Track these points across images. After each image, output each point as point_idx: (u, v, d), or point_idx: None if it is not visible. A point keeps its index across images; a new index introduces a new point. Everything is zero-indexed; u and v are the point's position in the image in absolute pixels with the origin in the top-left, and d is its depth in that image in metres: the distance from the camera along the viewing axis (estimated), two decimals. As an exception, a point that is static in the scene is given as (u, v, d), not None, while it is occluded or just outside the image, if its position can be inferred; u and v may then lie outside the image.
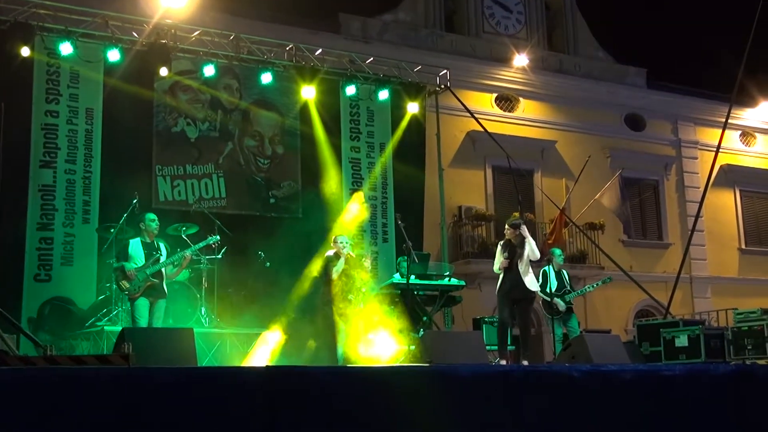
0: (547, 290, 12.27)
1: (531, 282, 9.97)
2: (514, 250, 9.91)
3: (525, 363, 9.63)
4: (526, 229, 10.17)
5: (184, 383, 5.19)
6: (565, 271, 12.64)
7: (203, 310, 11.48)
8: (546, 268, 12.49)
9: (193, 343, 7.21)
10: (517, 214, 17.48)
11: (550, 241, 16.94)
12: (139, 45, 13.25)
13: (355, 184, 15.27)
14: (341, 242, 10.51)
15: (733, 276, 22.04)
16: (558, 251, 12.77)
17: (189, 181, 13.98)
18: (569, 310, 12.28)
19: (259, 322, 11.54)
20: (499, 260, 10.04)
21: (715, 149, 15.92)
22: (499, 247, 10.13)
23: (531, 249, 10.00)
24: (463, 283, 13.03)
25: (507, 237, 10.02)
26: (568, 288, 12.36)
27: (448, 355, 8.19)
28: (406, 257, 11.90)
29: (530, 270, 10.05)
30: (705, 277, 21.72)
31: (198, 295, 11.50)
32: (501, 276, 9.94)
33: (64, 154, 12.85)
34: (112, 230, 11.28)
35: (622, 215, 18.06)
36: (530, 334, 10.14)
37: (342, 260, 10.30)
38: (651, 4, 23.10)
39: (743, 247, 22.58)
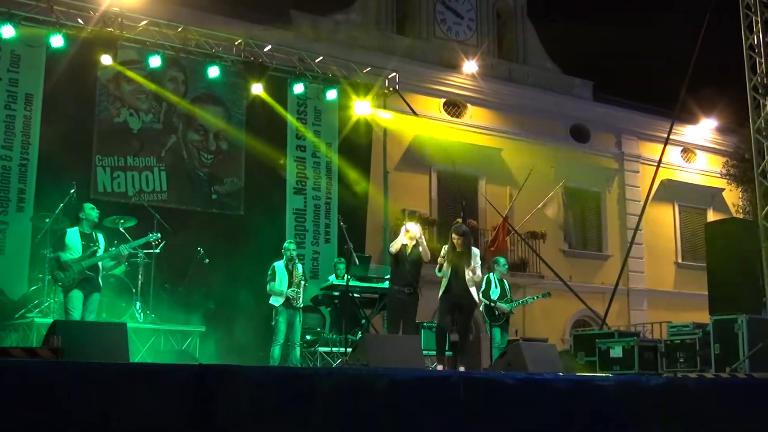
0: (491, 296, 12.38)
1: (475, 291, 10.04)
2: (460, 255, 9.92)
3: (462, 369, 9.66)
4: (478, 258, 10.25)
5: (115, 379, 5.09)
6: (505, 281, 12.76)
7: (138, 305, 11.32)
8: (490, 275, 12.58)
9: (126, 339, 7.10)
10: (459, 220, 17.61)
11: (492, 249, 17.08)
12: (84, 32, 13.02)
13: (299, 183, 15.22)
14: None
15: (669, 289, 22.46)
16: (502, 260, 12.90)
17: (129, 173, 13.78)
18: (507, 318, 12.40)
19: (195, 319, 11.44)
20: (440, 264, 10.07)
21: (656, 164, 16.21)
22: (442, 251, 10.16)
23: (476, 264, 10.07)
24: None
25: (454, 243, 10.03)
26: (509, 297, 12.48)
27: (385, 358, 8.17)
28: (343, 259, 11.90)
29: (479, 274, 10.12)
30: (642, 290, 22.10)
31: (133, 290, 11.34)
32: (445, 280, 9.95)
33: (0, 139, 12.57)
34: (47, 220, 11.06)
35: (563, 225, 18.29)
36: (468, 340, 10.18)
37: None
38: (600, 19, 23.43)
39: (679, 261, 23.03)
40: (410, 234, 10.26)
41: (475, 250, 10.10)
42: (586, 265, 21.21)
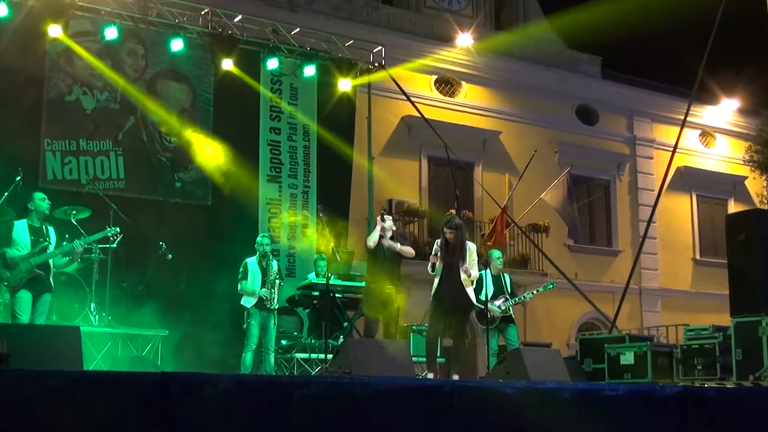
0: (482, 297, 12.38)
1: (471, 291, 10.04)
2: (452, 251, 9.92)
3: (455, 377, 9.68)
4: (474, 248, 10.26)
5: (67, 388, 5.08)
6: (506, 276, 12.73)
7: (93, 306, 11.28)
8: (482, 272, 12.61)
9: (79, 344, 7.09)
10: (453, 212, 17.61)
11: (489, 243, 17.09)
12: (31, 0, 12.93)
13: (273, 170, 15.18)
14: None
15: (686, 289, 22.58)
16: (497, 253, 12.89)
17: (82, 158, 13.70)
18: (507, 319, 12.36)
19: (157, 322, 11.41)
20: (433, 259, 10.08)
21: (671, 149, 16.27)
22: (435, 245, 10.16)
23: (472, 260, 10.07)
24: (390, 286, 13.09)
25: (447, 238, 10.03)
26: (508, 295, 12.43)
27: (370, 365, 8.19)
28: (323, 255, 11.90)
29: (475, 272, 10.13)
30: (655, 289, 22.20)
31: (87, 289, 11.30)
32: (437, 279, 9.96)
33: (-66, 122, 12.52)
34: (-10, 211, 10.99)
35: (568, 217, 18.34)
36: (464, 346, 10.21)
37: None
38: (610, -14, 23.45)
39: (697, 257, 23.14)
40: (387, 224, 10.35)
41: (471, 246, 10.11)
42: (594, 262, 21.30)
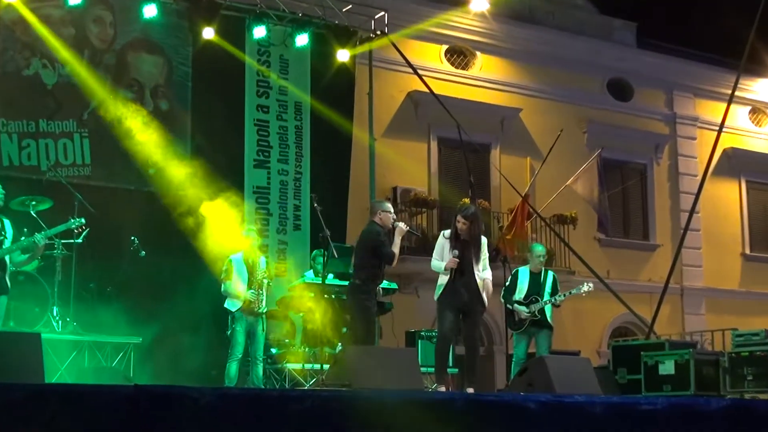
0: (511, 296, 12.40)
1: (486, 296, 10.08)
2: (466, 246, 9.94)
3: (470, 390, 9.69)
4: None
5: (26, 403, 5.09)
6: (551, 274, 12.65)
7: (55, 310, 11.30)
8: (519, 269, 12.63)
9: (40, 353, 7.10)
10: (467, 201, 17.63)
11: (508, 237, 17.13)
12: (-18, -41, 12.95)
13: (261, 154, 15.20)
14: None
15: (734, 288, 22.54)
16: (539, 247, 12.88)
17: (42, 141, 13.72)
18: (540, 323, 12.37)
19: (128, 328, 11.42)
20: (440, 255, 10.07)
21: (717, 128, 16.23)
22: (441, 239, 10.16)
23: (484, 260, 10.11)
24: (395, 286, 13.06)
25: (459, 229, 10.03)
26: (547, 297, 12.40)
27: (373, 377, 8.19)
28: (321, 251, 11.90)
29: (488, 273, 10.15)
30: (699, 289, 22.18)
31: (49, 291, 11.31)
32: (445, 277, 9.96)
33: None
34: (-63, 202, 10.99)
35: (598, 207, 18.33)
36: (479, 354, 10.22)
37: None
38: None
39: (747, 252, 23.11)
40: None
41: (484, 240, 10.14)
42: (629, 258, 21.28)
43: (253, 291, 11.25)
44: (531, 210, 17.65)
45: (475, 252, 9.94)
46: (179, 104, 14.76)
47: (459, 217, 10.01)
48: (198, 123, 14.67)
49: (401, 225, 10.50)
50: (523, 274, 12.51)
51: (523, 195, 17.16)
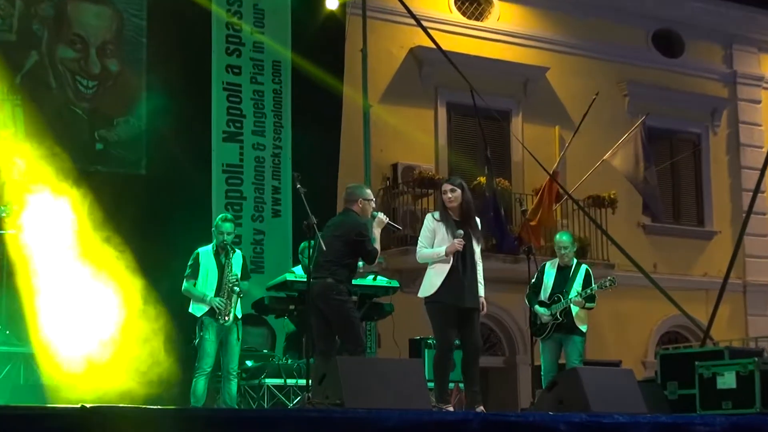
0: (536, 295, 12.44)
1: (482, 288, 10.12)
2: (460, 225, 9.95)
3: (480, 409, 9.72)
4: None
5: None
6: (583, 268, 12.66)
7: (-14, 316, 11.34)
8: (548, 262, 12.65)
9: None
10: (483, 179, 17.65)
11: (533, 223, 17.13)
12: None
13: (231, 125, 15.23)
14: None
15: (809, 284, 22.58)
16: (564, 236, 12.85)
17: (-34, 111, 13.76)
18: (567, 328, 12.38)
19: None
20: (429, 241, 10.08)
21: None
22: (430, 221, 10.16)
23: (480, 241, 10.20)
24: (396, 283, 13.10)
25: (448, 204, 10.05)
26: (573, 295, 12.37)
27: (370, 394, 8.23)
28: (309, 242, 11.89)
29: (480, 263, 10.20)
30: (766, 285, 22.18)
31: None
32: (434, 270, 9.96)
33: None
34: None
35: (642, 186, 18.33)
36: (477, 359, 10.23)
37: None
38: None
39: (824, 239, 23.13)
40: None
41: (477, 221, 10.22)
42: (680, 248, 21.29)
43: (220, 299, 11.26)
44: (560, 190, 17.66)
45: (475, 233, 9.99)
46: (132, 65, 14.78)
47: (446, 186, 10.05)
48: (154, 88, 14.69)
49: (381, 216, 10.48)
50: (550, 268, 12.53)
51: (550, 172, 17.15)
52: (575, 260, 12.69)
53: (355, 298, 12.00)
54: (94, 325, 11.99)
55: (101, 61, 14.72)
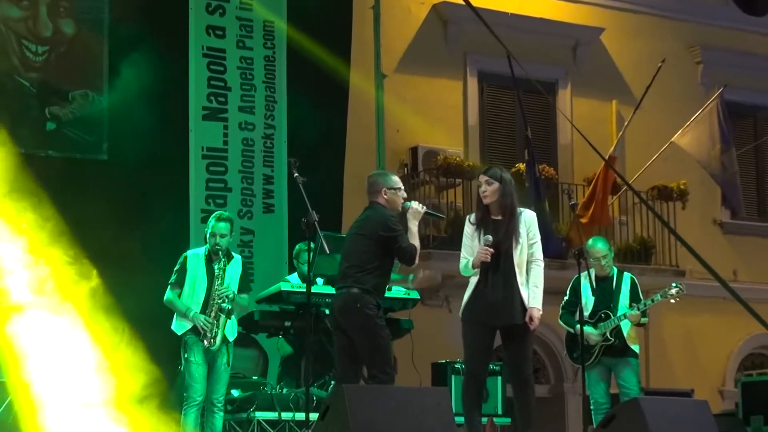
0: (572, 315, 12.44)
1: (534, 296, 10.03)
2: (499, 226, 9.96)
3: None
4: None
5: None
6: (626, 277, 12.70)
7: None
8: (582, 274, 12.65)
9: None
10: (522, 167, 17.66)
11: (584, 220, 17.13)
12: None
13: (214, 99, 15.25)
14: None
15: None
16: (599, 243, 12.85)
17: None
18: (619, 350, 12.44)
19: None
20: (471, 250, 10.08)
21: None
22: (467, 227, 10.15)
23: (531, 238, 10.10)
24: (416, 295, 13.13)
25: (485, 201, 10.06)
26: (624, 309, 12.40)
27: (384, 430, 8.27)
28: (310, 243, 11.94)
29: (540, 268, 10.15)
30: None
31: None
32: (470, 282, 10.00)
33: None
34: None
35: (720, 174, 18.32)
36: (533, 393, 10.23)
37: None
38: None
39: None
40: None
41: (529, 215, 10.16)
42: (766, 251, 21.27)
43: (207, 317, 11.31)
44: (618, 179, 17.65)
45: (512, 233, 9.95)
46: (90, 26, 14.82)
47: (480, 178, 10.03)
48: (118, 54, 14.74)
49: (415, 205, 10.26)
50: (586, 282, 12.54)
51: (606, 157, 17.12)
52: (615, 269, 12.73)
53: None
54: (38, 347, 12.03)
55: (53, 21, 14.76)
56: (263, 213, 15.37)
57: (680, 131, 18.15)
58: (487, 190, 9.92)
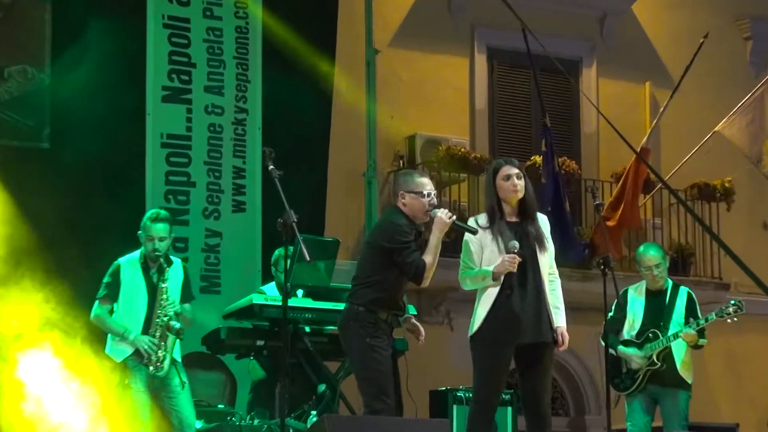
0: (617, 333, 12.46)
1: (560, 315, 10.02)
2: (524, 230, 9.95)
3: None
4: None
5: None
6: (682, 293, 12.72)
7: None
8: (631, 287, 12.68)
9: None
10: (539, 159, 17.67)
11: (611, 223, 17.15)
12: None
13: (176, 77, 15.26)
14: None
15: None
16: (652, 250, 12.81)
17: None
18: (663, 378, 12.48)
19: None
20: (477, 258, 10.06)
21: None
22: (474, 225, 10.11)
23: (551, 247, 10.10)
24: (413, 310, 13.13)
25: (507, 196, 10.04)
26: (676, 329, 12.39)
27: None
28: (287, 249, 11.95)
29: (559, 282, 10.15)
30: None
31: None
32: (482, 297, 9.98)
33: None
34: None
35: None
36: (550, 430, 10.25)
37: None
38: None
39: None
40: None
41: (544, 219, 10.24)
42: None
43: (151, 338, 11.32)
44: (651, 175, 17.67)
45: (539, 240, 9.94)
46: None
47: (509, 170, 9.94)
48: (63, 24, 14.78)
49: (442, 214, 9.99)
50: (636, 295, 12.54)
51: (637, 150, 17.13)
52: (670, 281, 12.72)
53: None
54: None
55: (-15, -17, 14.83)
56: (233, 212, 15.36)
57: (725, 119, 18.12)
58: (518, 185, 9.88)
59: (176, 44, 15.32)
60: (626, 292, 12.59)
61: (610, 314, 12.48)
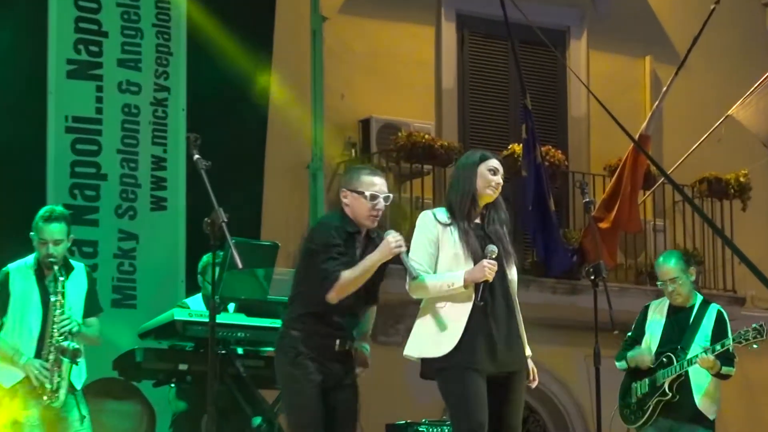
0: (635, 350, 12.46)
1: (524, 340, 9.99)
2: (493, 235, 9.91)
3: None
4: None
5: None
6: (711, 311, 12.71)
7: None
8: (653, 302, 12.69)
9: None
10: (518, 148, 17.69)
11: (604, 225, 17.19)
12: None
13: (82, 49, 15.21)
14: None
15: None
16: (674, 259, 12.78)
17: None
18: (678, 409, 12.51)
19: None
20: (429, 259, 9.97)
21: None
22: (429, 223, 9.99)
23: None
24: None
25: (484, 192, 9.98)
26: (698, 352, 12.38)
27: None
28: (215, 254, 11.92)
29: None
30: None
31: None
32: (442, 310, 9.87)
33: None
34: None
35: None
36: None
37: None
38: None
39: None
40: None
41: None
42: None
43: (43, 362, 11.21)
44: (652, 167, 17.69)
45: (505, 247, 9.80)
46: None
47: (493, 164, 9.90)
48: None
49: (392, 239, 9.78)
50: (655, 313, 12.56)
51: (635, 138, 17.15)
52: (700, 297, 12.72)
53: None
54: None
55: None
56: (151, 210, 15.32)
57: (740, 101, 18.14)
58: (500, 184, 9.74)
59: (84, 9, 15.26)
60: (647, 308, 12.63)
61: (629, 334, 12.51)
